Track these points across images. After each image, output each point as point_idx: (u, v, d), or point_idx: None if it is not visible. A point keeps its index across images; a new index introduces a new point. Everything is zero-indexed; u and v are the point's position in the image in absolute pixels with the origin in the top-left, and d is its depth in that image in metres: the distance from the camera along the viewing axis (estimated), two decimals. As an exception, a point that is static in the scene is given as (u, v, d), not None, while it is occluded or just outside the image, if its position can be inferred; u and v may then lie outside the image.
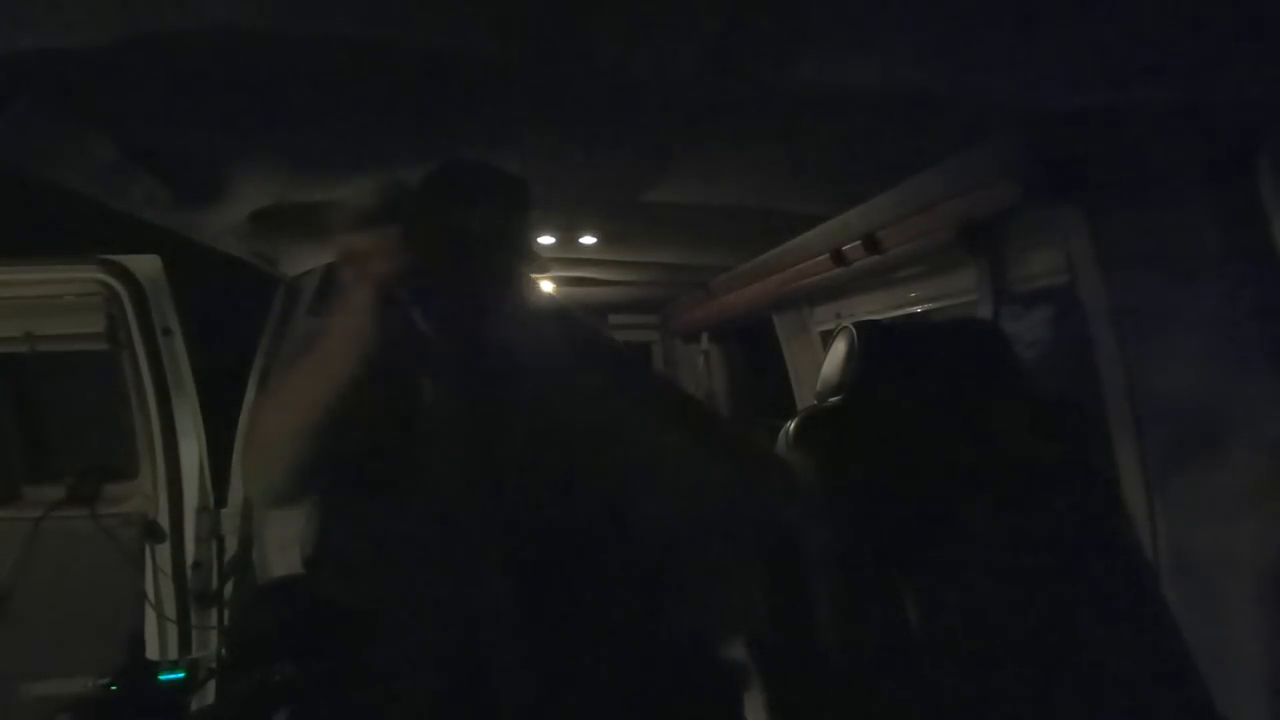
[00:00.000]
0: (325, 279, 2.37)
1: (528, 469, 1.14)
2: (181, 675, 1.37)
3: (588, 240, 2.34)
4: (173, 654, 2.15)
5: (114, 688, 1.29)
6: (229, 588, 2.29)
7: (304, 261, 2.28)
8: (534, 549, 1.12)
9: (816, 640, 1.24)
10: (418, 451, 1.09)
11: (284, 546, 2.31)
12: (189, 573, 2.22)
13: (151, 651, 2.13)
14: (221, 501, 2.35)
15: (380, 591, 1.12)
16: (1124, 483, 1.39)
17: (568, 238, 2.31)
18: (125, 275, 2.11)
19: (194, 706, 1.47)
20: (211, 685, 1.51)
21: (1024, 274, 1.77)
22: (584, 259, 2.60)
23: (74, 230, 1.97)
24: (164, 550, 2.20)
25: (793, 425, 1.36)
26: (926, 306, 2.29)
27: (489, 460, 1.14)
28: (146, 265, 2.14)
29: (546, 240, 2.31)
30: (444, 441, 1.12)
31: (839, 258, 2.07)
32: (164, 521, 2.21)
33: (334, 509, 1.16)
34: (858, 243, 1.96)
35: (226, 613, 2.26)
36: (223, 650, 1.39)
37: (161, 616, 2.14)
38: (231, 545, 2.34)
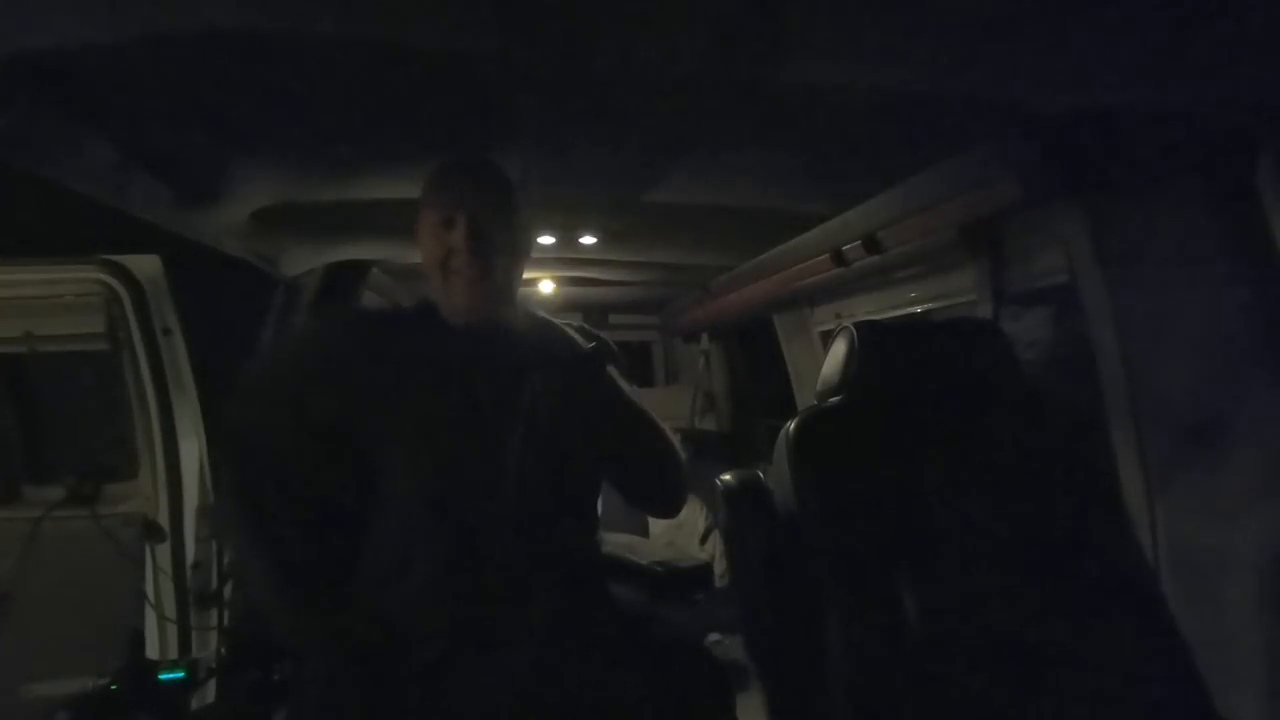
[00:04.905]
0: (325, 279, 2.37)
1: (521, 458, 1.15)
2: (181, 674, 1.37)
3: (588, 240, 2.34)
4: (173, 654, 2.15)
5: (114, 687, 1.29)
6: (229, 588, 2.29)
7: (304, 261, 2.28)
8: (528, 542, 1.13)
9: (817, 641, 1.24)
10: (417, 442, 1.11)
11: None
12: (189, 573, 2.22)
13: (151, 651, 2.13)
14: (221, 501, 2.35)
15: (379, 589, 1.12)
16: (1124, 483, 1.39)
17: (568, 238, 2.31)
18: (125, 275, 2.11)
19: (194, 706, 1.47)
20: (212, 685, 1.52)
21: (1024, 274, 1.77)
22: (584, 259, 2.60)
23: (74, 230, 1.97)
24: (164, 550, 2.20)
25: (793, 425, 1.36)
26: (926, 306, 2.28)
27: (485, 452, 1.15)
28: (146, 265, 2.14)
29: (546, 240, 2.31)
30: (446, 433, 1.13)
31: (839, 258, 2.07)
32: (164, 521, 2.21)
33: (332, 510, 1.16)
34: (858, 243, 1.96)
35: (226, 613, 2.26)
36: (223, 650, 1.39)
37: (161, 616, 2.15)
38: (232, 545, 2.34)
